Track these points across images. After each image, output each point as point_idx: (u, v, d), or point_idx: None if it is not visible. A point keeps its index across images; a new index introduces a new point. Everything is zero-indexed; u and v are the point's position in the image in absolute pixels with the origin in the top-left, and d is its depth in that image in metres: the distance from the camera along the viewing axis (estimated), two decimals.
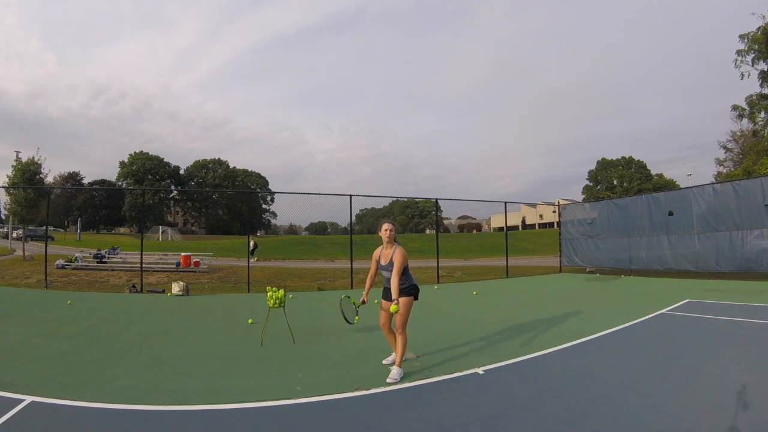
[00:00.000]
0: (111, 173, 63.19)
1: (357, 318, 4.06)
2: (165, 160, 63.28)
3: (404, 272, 3.76)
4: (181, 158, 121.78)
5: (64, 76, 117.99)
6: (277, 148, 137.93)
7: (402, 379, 3.51)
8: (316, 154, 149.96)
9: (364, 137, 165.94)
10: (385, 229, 3.83)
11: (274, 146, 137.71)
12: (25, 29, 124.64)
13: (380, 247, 3.95)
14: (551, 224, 59.29)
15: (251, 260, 19.70)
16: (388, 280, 3.80)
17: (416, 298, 3.85)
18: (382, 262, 3.88)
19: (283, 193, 28.78)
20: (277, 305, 5.04)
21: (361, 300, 4.01)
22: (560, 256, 15.82)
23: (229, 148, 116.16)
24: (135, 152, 61.88)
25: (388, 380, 3.47)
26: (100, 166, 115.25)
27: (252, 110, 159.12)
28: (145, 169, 60.05)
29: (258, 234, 56.59)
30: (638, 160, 63.58)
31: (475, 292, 9.75)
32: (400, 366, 3.65)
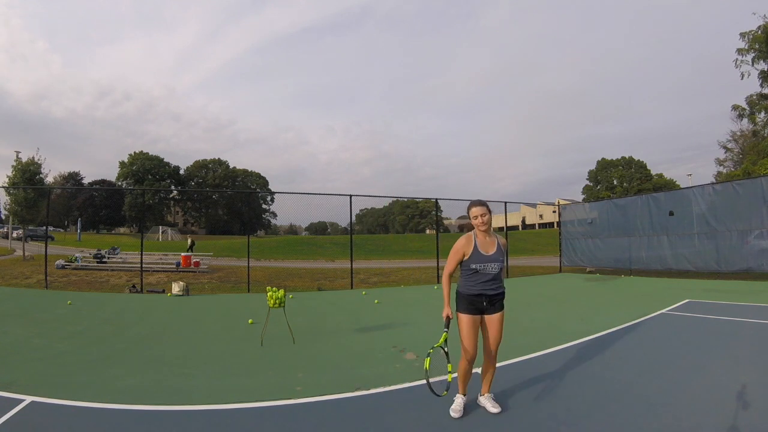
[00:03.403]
0: (113, 173, 63.16)
1: (450, 371, 2.75)
2: (165, 160, 63.38)
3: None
4: (185, 159, 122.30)
5: (69, 78, 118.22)
6: (281, 148, 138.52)
7: (402, 380, 3.50)
8: (318, 154, 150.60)
9: (366, 138, 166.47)
10: (475, 215, 2.79)
11: (277, 147, 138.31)
12: (31, 31, 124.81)
13: (465, 236, 2.85)
14: (551, 224, 59.30)
15: (191, 255, 19.92)
16: (487, 280, 2.78)
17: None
18: (487, 250, 2.78)
19: (282, 193, 28.78)
20: (277, 305, 5.04)
21: (446, 317, 2.83)
22: (560, 256, 15.82)
23: (232, 148, 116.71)
24: (135, 152, 61.94)
25: (492, 410, 2.80)
26: (103, 166, 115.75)
27: (255, 111, 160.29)
28: (145, 169, 60.00)
29: (257, 234, 56.69)
30: (638, 160, 63.53)
31: None
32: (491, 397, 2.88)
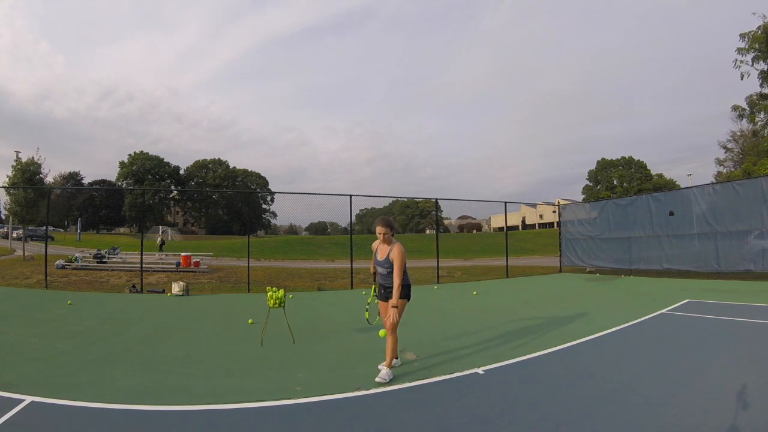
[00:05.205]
0: (114, 173, 63.23)
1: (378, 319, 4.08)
2: (165, 160, 63.39)
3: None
4: (186, 159, 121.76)
5: (72, 78, 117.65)
6: (282, 149, 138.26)
7: (402, 380, 3.50)
8: (319, 155, 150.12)
9: (367, 138, 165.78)
10: (378, 233, 3.73)
11: (278, 147, 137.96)
12: (34, 31, 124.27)
13: (377, 240, 3.85)
14: (551, 224, 59.29)
15: (161, 255, 19.92)
16: (383, 275, 3.77)
17: (408, 299, 3.76)
18: (379, 257, 3.77)
19: (282, 193, 28.83)
20: (277, 305, 5.03)
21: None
22: (560, 256, 15.81)
23: (233, 148, 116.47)
24: (135, 152, 61.94)
25: (376, 379, 3.44)
26: (104, 166, 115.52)
27: (257, 111, 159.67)
28: (145, 169, 60.03)
29: (257, 234, 56.71)
30: (638, 160, 63.52)
31: (475, 292, 9.75)
32: (389, 366, 3.59)
